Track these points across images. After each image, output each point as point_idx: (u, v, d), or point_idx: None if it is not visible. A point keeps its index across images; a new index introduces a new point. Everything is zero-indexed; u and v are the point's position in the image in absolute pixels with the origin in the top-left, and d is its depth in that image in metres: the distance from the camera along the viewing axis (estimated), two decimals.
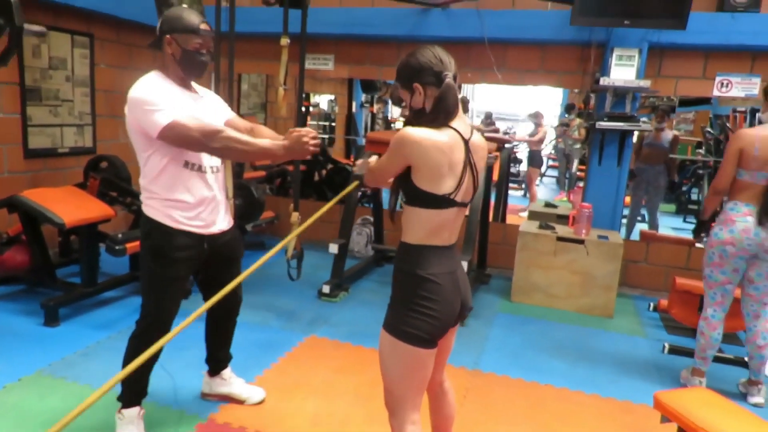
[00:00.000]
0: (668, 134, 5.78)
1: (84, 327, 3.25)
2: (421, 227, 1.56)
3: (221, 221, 2.21)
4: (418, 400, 1.64)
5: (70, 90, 4.48)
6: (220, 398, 2.54)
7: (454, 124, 1.54)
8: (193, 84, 2.18)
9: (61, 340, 3.07)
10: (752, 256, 2.74)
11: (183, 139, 1.90)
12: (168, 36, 2.00)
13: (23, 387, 2.55)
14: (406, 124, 1.63)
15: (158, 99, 1.90)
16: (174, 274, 2.09)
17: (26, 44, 4.04)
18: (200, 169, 2.06)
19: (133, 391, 2.23)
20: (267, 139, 2.08)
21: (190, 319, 1.61)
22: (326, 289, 3.97)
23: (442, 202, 1.53)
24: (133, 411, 2.22)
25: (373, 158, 1.88)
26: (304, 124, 8.16)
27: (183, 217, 2.06)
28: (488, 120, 10.90)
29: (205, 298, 2.39)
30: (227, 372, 2.55)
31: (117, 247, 3.35)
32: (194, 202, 2.07)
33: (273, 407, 2.53)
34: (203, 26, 2.01)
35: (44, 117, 4.29)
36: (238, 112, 6.52)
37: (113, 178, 4.20)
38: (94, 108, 4.70)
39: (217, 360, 2.52)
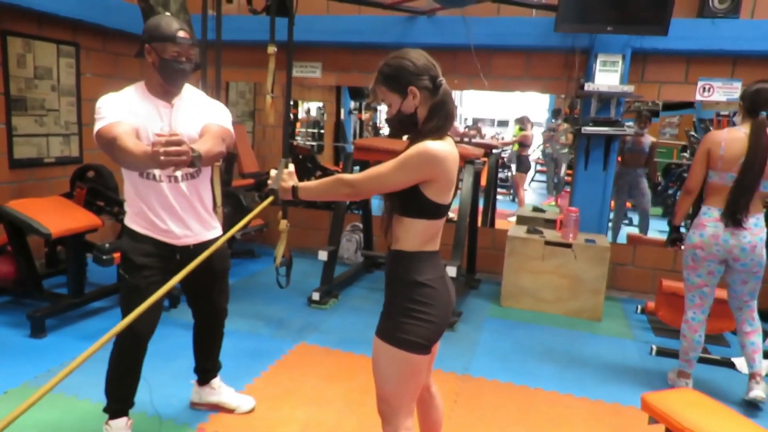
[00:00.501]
0: (648, 139, 5.92)
1: (71, 338, 3.22)
2: (421, 236, 1.55)
3: (198, 232, 2.17)
4: (412, 407, 1.64)
5: (56, 99, 4.45)
6: (209, 407, 2.53)
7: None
8: (186, 90, 2.14)
9: (48, 351, 3.04)
10: (722, 261, 2.77)
11: (103, 146, 1.93)
12: (147, 45, 2.01)
13: (9, 400, 2.52)
14: (393, 130, 1.62)
15: (105, 108, 1.94)
16: (140, 281, 2.05)
17: (11, 54, 4.02)
18: (154, 178, 2.04)
19: (117, 402, 2.21)
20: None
21: (138, 311, 1.60)
22: (316, 296, 3.97)
23: (444, 210, 1.55)
24: (120, 422, 2.21)
25: (290, 168, 1.75)
26: (292, 131, 8.15)
27: (150, 225, 2.09)
28: (474, 126, 11.00)
29: (193, 312, 2.39)
30: (216, 381, 2.53)
31: (104, 257, 3.33)
32: (156, 211, 2.06)
33: (263, 416, 2.52)
34: (181, 34, 2.00)
35: (30, 127, 4.26)
36: None
37: (100, 188, 4.17)
38: (80, 117, 4.68)
39: (206, 370, 2.51)
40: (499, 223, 5.86)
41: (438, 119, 1.50)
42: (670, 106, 8.39)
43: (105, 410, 2.21)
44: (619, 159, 5.86)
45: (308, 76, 5.14)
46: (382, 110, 11.30)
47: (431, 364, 1.80)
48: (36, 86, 4.26)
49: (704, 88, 4.24)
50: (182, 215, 2.11)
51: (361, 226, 5.04)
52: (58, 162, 4.52)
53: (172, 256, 2.12)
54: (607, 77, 4.13)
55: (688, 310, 2.91)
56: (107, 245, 3.39)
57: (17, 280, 3.61)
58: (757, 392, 2.79)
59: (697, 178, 2.82)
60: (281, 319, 3.72)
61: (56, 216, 3.45)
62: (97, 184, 4.21)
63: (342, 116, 8.89)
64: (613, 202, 6.10)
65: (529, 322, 3.93)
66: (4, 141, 4.07)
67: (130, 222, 2.11)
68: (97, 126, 1.94)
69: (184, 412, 2.51)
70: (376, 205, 5.26)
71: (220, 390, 2.53)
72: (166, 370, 2.87)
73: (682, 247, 2.97)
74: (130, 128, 1.94)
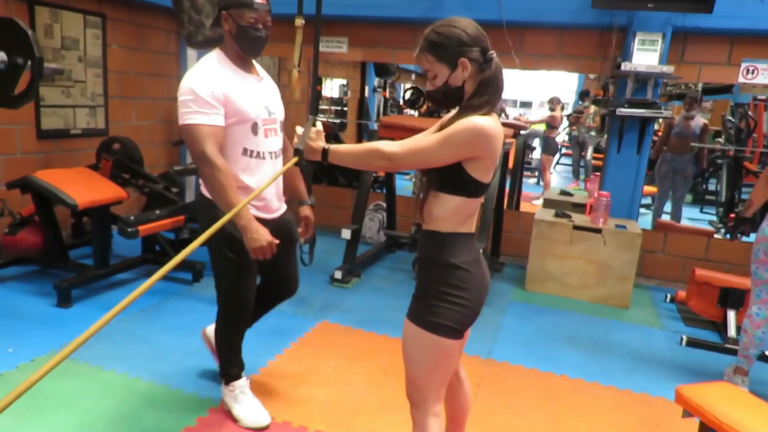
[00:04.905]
0: (698, 122, 5.59)
1: (96, 309, 3.25)
2: (457, 215, 1.48)
3: (281, 206, 2.23)
4: (442, 392, 1.59)
5: (83, 71, 4.44)
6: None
7: None
8: (256, 66, 2.14)
9: (74, 321, 3.07)
10: None
11: (189, 145, 1.93)
12: (224, 12, 1.94)
13: (36, 367, 2.51)
14: (435, 103, 1.55)
15: (199, 97, 1.86)
16: (250, 258, 1.99)
17: (39, 23, 4.01)
18: (259, 156, 2.04)
19: (235, 366, 2.29)
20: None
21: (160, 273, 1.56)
22: (338, 274, 3.94)
23: (484, 189, 1.47)
24: (242, 381, 2.30)
25: (318, 127, 1.59)
26: (316, 108, 8.07)
27: (250, 203, 2.04)
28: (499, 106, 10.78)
29: (264, 280, 2.39)
30: None
31: (129, 230, 3.33)
32: (255, 187, 2.04)
33: (284, 394, 2.51)
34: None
35: (57, 98, 4.26)
36: None
37: (125, 160, 4.18)
38: (106, 89, 4.67)
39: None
40: (524, 206, 5.76)
41: (487, 95, 1.42)
42: (708, 91, 8.09)
43: (222, 376, 2.30)
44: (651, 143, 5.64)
45: (334, 51, 5.05)
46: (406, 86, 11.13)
47: (461, 349, 1.75)
48: (63, 57, 4.25)
49: (748, 70, 4.04)
50: (276, 189, 2.15)
51: (384, 205, 4.99)
52: (84, 133, 4.53)
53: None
54: (646, 57, 3.96)
55: (753, 305, 2.74)
56: (132, 218, 3.40)
57: (44, 249, 3.65)
58: None
59: None
60: (303, 297, 3.71)
61: (82, 187, 3.46)
62: (122, 156, 4.22)
63: (366, 94, 8.78)
64: (655, 188, 5.92)
65: (554, 307, 3.85)
66: (32, 111, 4.08)
67: None
68: (188, 119, 1.86)
69: (207, 386, 2.51)
70: (400, 185, 5.19)
71: None
72: (190, 343, 2.87)
73: (745, 239, 2.79)
74: (222, 141, 1.92)
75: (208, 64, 1.96)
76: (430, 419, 1.56)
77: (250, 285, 2.17)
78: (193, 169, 4.53)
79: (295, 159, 1.58)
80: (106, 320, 1.15)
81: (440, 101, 1.49)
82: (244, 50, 1.99)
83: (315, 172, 5.17)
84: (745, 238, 4.46)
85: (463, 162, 1.41)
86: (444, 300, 1.47)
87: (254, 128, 1.99)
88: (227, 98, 1.91)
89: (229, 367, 2.28)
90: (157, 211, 3.61)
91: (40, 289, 3.43)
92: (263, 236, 1.90)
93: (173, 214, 3.68)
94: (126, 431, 2.16)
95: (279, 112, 2.13)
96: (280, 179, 2.20)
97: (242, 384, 2.30)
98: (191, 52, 5.00)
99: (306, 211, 2.34)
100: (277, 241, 1.96)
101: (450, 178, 1.44)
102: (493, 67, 1.42)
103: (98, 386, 2.43)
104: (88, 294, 3.42)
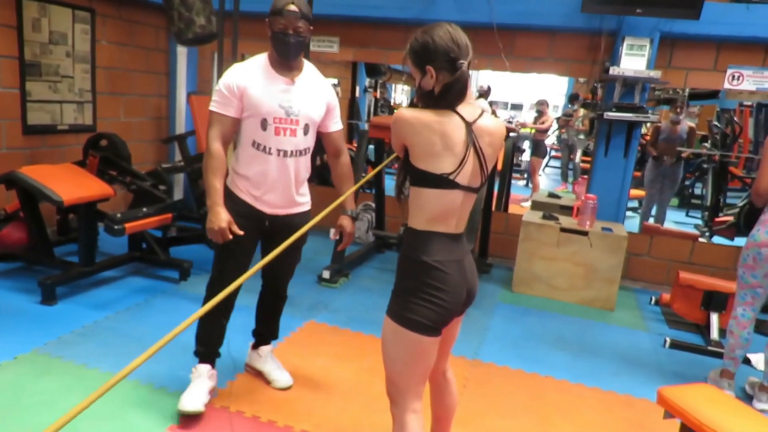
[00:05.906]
0: (684, 126, 5.67)
1: (81, 306, 3.22)
2: (426, 210, 1.52)
3: (288, 206, 2.29)
4: (420, 389, 1.61)
5: (71, 66, 4.40)
6: (254, 373, 2.62)
7: (458, 109, 1.50)
8: (308, 69, 2.23)
9: (58, 319, 3.04)
10: None
11: (208, 129, 2.14)
12: (267, 20, 2.12)
13: (19, 365, 2.53)
14: (410, 103, 1.61)
15: (221, 89, 2.10)
16: (231, 243, 2.11)
17: (26, 18, 3.96)
18: (265, 150, 2.15)
19: (202, 345, 2.36)
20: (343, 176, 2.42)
21: (213, 302, 1.58)
22: (326, 274, 3.94)
23: (442, 182, 1.48)
24: (204, 368, 2.35)
25: None
26: None
27: (247, 191, 2.21)
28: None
29: (262, 275, 2.51)
30: (264, 349, 2.63)
31: (116, 227, 3.31)
32: (257, 180, 2.18)
33: (270, 394, 2.50)
34: (290, 7, 2.06)
35: (44, 93, 4.22)
36: None
37: (113, 157, 4.15)
38: (94, 85, 4.63)
39: (258, 333, 2.64)
40: (513, 208, 5.79)
41: (444, 99, 1.49)
42: (692, 96, 8.19)
43: (194, 354, 2.38)
44: (647, 149, 5.70)
45: (325, 51, 5.04)
46: (398, 88, 11.15)
47: (448, 348, 1.76)
48: (51, 52, 4.21)
49: (733, 76, 4.10)
50: (279, 188, 2.22)
51: (373, 205, 4.99)
52: (71, 129, 4.49)
53: (262, 222, 2.25)
54: (634, 61, 4.00)
55: (738, 307, 2.78)
56: (119, 215, 3.37)
57: (29, 246, 3.62)
58: (764, 405, 2.71)
59: (767, 178, 2.59)
60: (291, 296, 3.63)
61: (69, 184, 3.43)
62: (109, 153, 4.18)
63: (357, 94, 8.78)
64: (642, 192, 5.97)
65: (540, 309, 3.88)
66: (17, 106, 4.04)
67: (232, 185, 2.23)
68: (212, 105, 2.13)
69: None
70: (389, 185, 5.19)
71: (264, 359, 2.61)
72: (175, 342, 2.84)
73: (728, 242, 2.82)
74: (229, 129, 2.14)
75: (246, 62, 2.18)
76: (408, 415, 1.58)
77: (229, 271, 2.19)
78: (182, 167, 4.51)
79: (395, 155, 1.85)
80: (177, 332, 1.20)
81: (419, 99, 1.57)
82: (278, 54, 2.13)
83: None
84: (727, 242, 4.53)
85: (408, 152, 1.52)
86: (418, 297, 1.50)
87: (263, 124, 2.13)
88: (244, 92, 2.09)
89: (199, 344, 2.37)
90: (144, 209, 3.59)
91: (25, 286, 3.39)
92: (217, 221, 2.05)
93: (160, 212, 3.66)
94: (109, 430, 2.14)
95: (303, 116, 2.18)
96: (293, 179, 2.24)
97: (203, 370, 2.34)
98: (181, 49, 4.96)
99: (342, 220, 2.36)
100: (240, 233, 2.08)
101: (407, 169, 1.55)
102: (456, 75, 1.47)
103: (81, 385, 2.41)
104: (73, 291, 3.39)
